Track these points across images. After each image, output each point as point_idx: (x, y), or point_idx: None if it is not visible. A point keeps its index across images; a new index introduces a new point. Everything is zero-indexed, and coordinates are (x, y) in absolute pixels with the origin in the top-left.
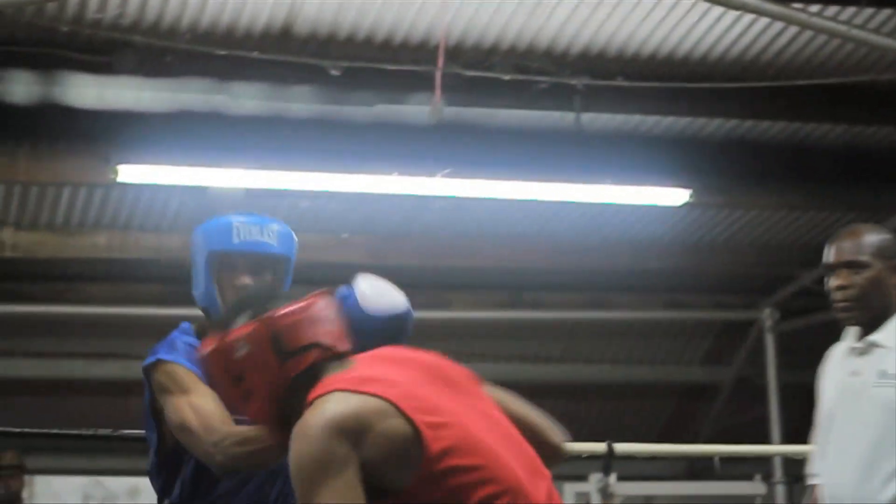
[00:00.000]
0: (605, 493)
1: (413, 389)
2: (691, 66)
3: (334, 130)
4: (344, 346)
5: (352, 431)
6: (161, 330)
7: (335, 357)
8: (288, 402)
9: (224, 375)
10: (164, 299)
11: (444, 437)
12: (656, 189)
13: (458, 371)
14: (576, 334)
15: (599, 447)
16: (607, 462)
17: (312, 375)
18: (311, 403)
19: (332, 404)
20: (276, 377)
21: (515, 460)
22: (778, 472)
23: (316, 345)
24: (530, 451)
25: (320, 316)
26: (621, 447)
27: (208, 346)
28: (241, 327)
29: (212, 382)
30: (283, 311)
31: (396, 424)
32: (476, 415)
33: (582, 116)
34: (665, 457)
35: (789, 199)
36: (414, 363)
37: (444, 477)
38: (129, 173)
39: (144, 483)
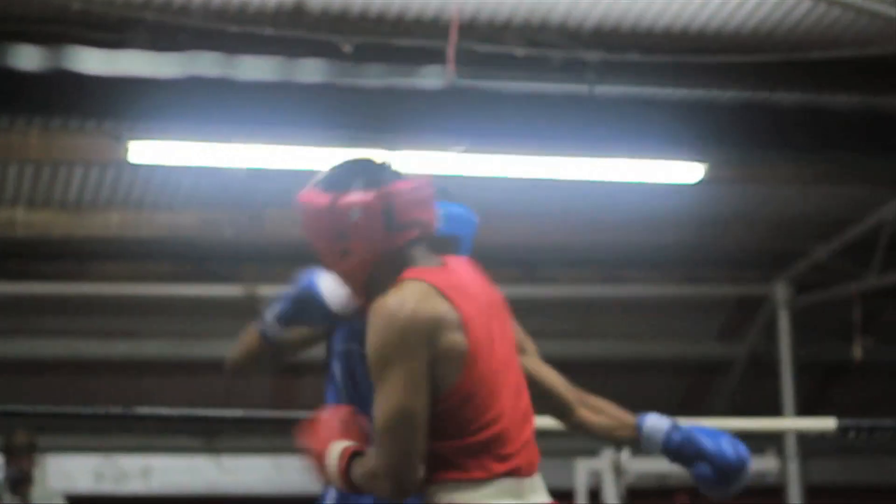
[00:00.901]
0: (618, 470)
1: (477, 311)
2: (706, 39)
3: (345, 105)
4: (436, 229)
5: (430, 330)
6: (174, 308)
7: (428, 239)
8: (379, 271)
9: (329, 231)
10: (176, 277)
11: (479, 367)
12: (671, 164)
13: (502, 312)
14: (590, 310)
15: None
16: None
17: (408, 253)
18: (401, 282)
19: (419, 297)
20: (379, 245)
21: (512, 402)
22: (791, 448)
23: (418, 223)
24: (526, 399)
25: (425, 197)
26: None
27: (317, 199)
28: (356, 194)
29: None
30: (397, 188)
31: (460, 340)
32: (501, 357)
33: (596, 92)
34: None
35: (804, 174)
36: (480, 283)
37: (467, 399)
38: (141, 151)
39: (158, 462)
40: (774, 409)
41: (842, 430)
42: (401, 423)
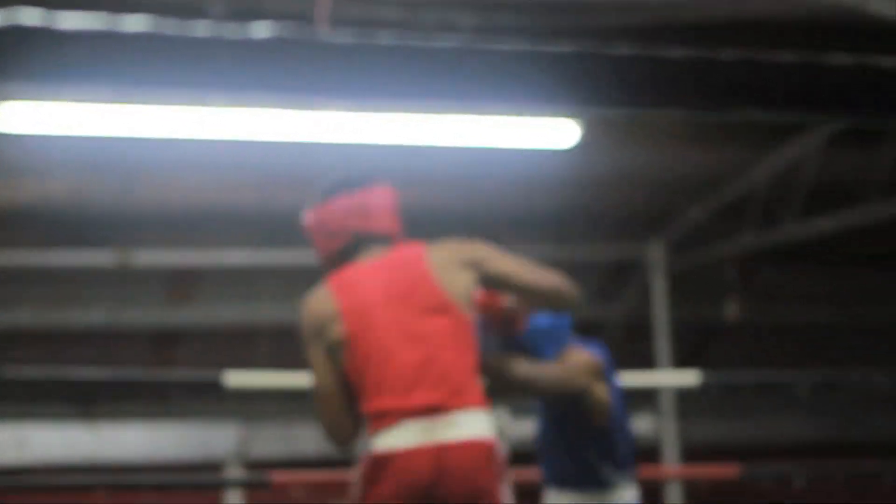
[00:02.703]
0: (500, 434)
1: (363, 300)
2: (578, 7)
3: (223, 65)
4: (376, 231)
5: (315, 326)
6: (48, 276)
7: (367, 241)
8: (331, 270)
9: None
10: (49, 244)
11: (362, 346)
12: (545, 129)
13: (416, 286)
14: None
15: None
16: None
17: (350, 254)
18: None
19: (312, 299)
20: (322, 250)
21: (412, 357)
22: (665, 407)
23: (351, 230)
24: (440, 349)
25: (363, 207)
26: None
27: (313, 215)
28: (310, 210)
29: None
30: (333, 203)
31: (339, 330)
32: (396, 327)
33: (470, 52)
34: None
35: (678, 135)
36: (391, 269)
37: (360, 372)
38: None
39: (33, 432)
40: (650, 368)
41: (706, 386)
42: (317, 397)
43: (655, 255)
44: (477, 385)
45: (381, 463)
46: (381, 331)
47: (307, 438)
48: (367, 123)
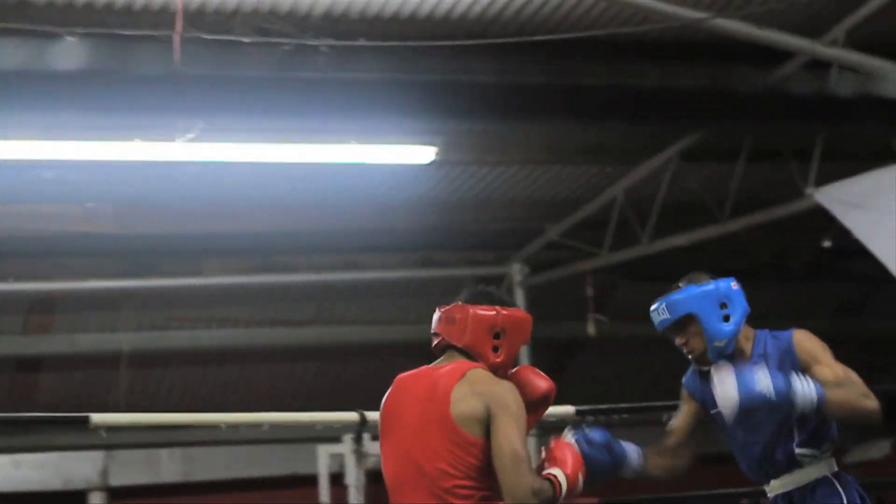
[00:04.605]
0: (359, 454)
1: (398, 401)
2: (434, 24)
3: (74, 99)
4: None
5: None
6: None
7: (449, 349)
8: None
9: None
10: None
11: (383, 441)
12: (403, 147)
13: (437, 401)
14: (328, 296)
15: (352, 416)
16: (360, 429)
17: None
18: None
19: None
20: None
21: (397, 469)
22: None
23: (436, 336)
24: (420, 468)
25: (456, 317)
26: (373, 415)
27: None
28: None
29: None
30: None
31: (377, 420)
32: (403, 435)
33: (327, 78)
34: None
35: (534, 155)
36: (431, 380)
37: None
38: None
39: None
40: None
41: (580, 415)
42: None
43: (516, 273)
44: (452, 491)
45: None
46: (397, 436)
47: (168, 465)
48: (223, 144)
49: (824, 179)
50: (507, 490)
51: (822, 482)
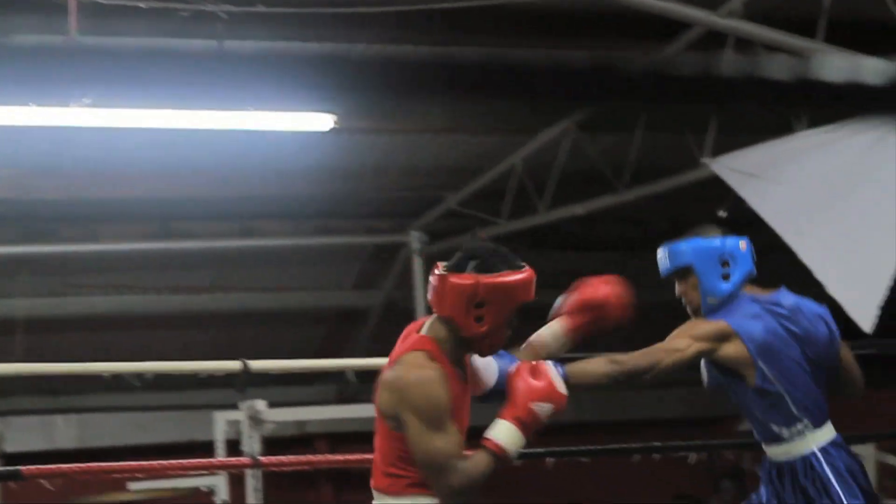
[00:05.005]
0: (256, 420)
1: None
2: None
3: None
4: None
5: None
6: None
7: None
8: None
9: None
10: None
11: None
12: (301, 115)
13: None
14: (226, 263)
15: (235, 365)
16: (243, 379)
17: None
18: None
19: None
20: None
21: None
22: None
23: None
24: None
25: (439, 287)
26: (257, 364)
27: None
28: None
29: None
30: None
31: None
32: None
33: (225, 44)
34: (314, 382)
35: (432, 124)
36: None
37: None
38: None
39: None
40: None
41: None
42: None
43: (414, 241)
44: (383, 473)
45: None
46: None
47: (64, 431)
48: (120, 110)
49: (721, 150)
50: (435, 492)
51: (806, 459)
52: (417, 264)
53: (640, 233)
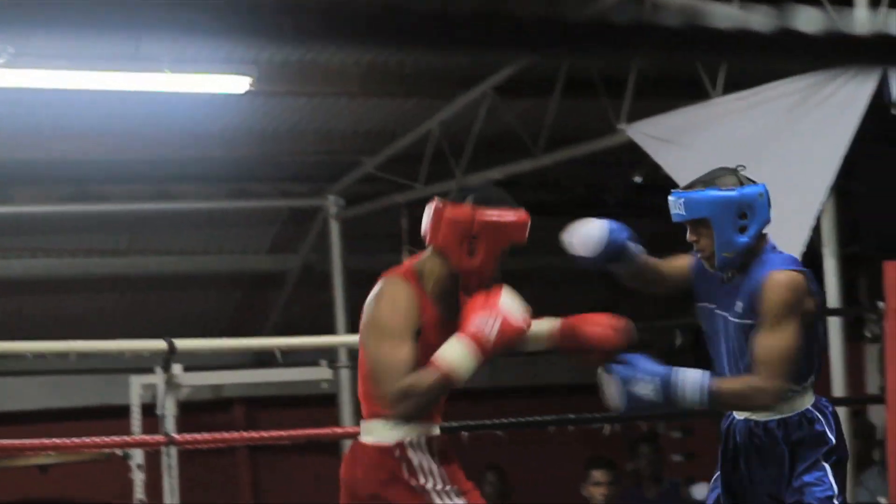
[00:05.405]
0: (172, 384)
1: None
2: None
3: None
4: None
5: None
6: None
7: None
8: None
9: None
10: None
11: None
12: (217, 77)
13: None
14: (141, 226)
15: (160, 345)
16: (168, 357)
17: None
18: None
19: None
20: None
21: None
22: (342, 357)
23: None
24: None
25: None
26: (182, 343)
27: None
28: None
29: None
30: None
31: None
32: None
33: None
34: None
35: (349, 87)
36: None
37: None
38: None
39: None
40: (328, 319)
41: None
42: None
43: (331, 205)
44: (372, 398)
45: None
46: None
47: None
48: (34, 71)
49: (637, 115)
50: (383, 404)
51: (803, 415)
52: (334, 228)
53: (557, 197)
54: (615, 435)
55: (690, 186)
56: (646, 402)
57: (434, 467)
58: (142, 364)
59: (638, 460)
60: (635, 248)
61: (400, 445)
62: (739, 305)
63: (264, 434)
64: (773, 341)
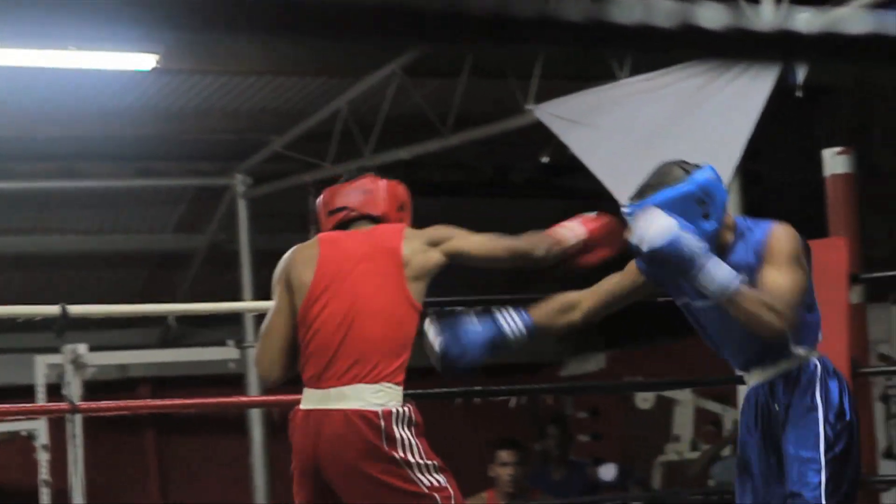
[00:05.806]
0: (78, 364)
1: (335, 256)
2: None
3: None
4: (367, 211)
5: (288, 263)
6: None
7: (359, 220)
8: None
9: None
10: None
11: (317, 296)
12: (122, 55)
13: (372, 261)
14: (46, 204)
15: (53, 310)
16: (62, 324)
17: (342, 227)
18: None
19: (304, 243)
20: (325, 226)
21: (331, 329)
22: (249, 336)
23: (342, 209)
24: (355, 328)
25: (350, 190)
26: (76, 309)
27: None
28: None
29: None
30: (332, 188)
31: (308, 273)
32: (341, 291)
33: None
34: (137, 325)
35: (257, 66)
36: (361, 242)
37: (301, 324)
38: None
39: None
40: (235, 298)
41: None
42: (262, 331)
43: (239, 184)
44: (382, 359)
45: (290, 421)
46: (332, 291)
47: None
48: None
49: (545, 96)
50: (519, 256)
51: (805, 369)
52: (242, 207)
53: (466, 178)
54: (522, 411)
55: (640, 194)
56: (686, 253)
57: (412, 439)
58: (47, 344)
59: (546, 441)
60: (513, 330)
61: (386, 413)
62: (742, 276)
63: (167, 402)
64: (783, 279)
